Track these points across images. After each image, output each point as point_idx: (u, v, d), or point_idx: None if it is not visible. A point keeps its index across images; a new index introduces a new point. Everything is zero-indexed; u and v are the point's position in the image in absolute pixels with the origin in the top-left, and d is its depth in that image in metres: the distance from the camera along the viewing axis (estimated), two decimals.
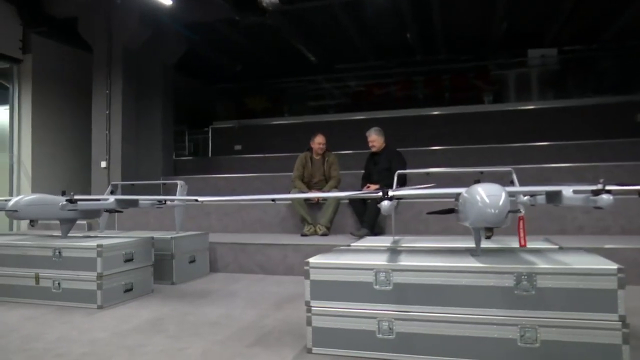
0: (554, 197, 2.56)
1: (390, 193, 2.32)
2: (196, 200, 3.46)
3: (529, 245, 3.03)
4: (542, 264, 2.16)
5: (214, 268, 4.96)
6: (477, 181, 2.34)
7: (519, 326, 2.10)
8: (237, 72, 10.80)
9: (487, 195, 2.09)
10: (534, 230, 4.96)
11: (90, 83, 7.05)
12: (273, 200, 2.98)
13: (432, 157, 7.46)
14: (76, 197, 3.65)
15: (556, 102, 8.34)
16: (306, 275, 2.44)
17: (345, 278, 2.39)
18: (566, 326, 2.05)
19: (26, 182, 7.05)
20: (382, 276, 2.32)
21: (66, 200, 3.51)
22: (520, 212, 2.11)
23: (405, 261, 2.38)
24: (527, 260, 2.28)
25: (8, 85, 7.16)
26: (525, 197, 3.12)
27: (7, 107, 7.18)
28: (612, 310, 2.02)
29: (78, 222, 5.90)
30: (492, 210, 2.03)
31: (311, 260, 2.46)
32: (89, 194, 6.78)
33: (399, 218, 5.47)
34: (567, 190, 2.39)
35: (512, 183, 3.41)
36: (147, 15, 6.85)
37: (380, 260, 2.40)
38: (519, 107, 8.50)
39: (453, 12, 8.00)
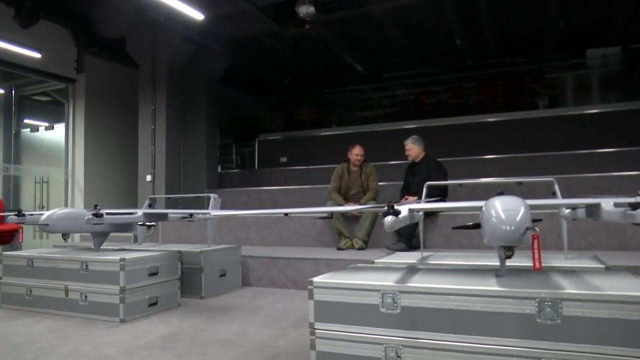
0: (593, 211, 2.25)
1: (397, 207, 2.12)
2: (208, 214, 3.39)
3: (571, 264, 2.72)
4: (570, 289, 1.87)
5: (246, 282, 4.89)
6: (501, 193, 2.09)
7: (542, 359, 1.83)
8: (285, 84, 10.86)
9: (503, 210, 1.85)
10: (588, 245, 4.54)
11: (138, 99, 7.30)
12: (285, 214, 2.86)
13: (482, 166, 7.08)
14: (104, 210, 3.70)
15: (620, 105, 7.66)
16: (310, 295, 2.28)
17: (350, 299, 2.20)
18: None
19: (79, 195, 7.37)
20: (389, 298, 2.12)
21: (92, 214, 3.55)
22: (535, 229, 1.84)
23: (417, 282, 2.16)
24: (555, 284, 1.99)
25: (64, 101, 7.56)
26: (567, 210, 2.82)
27: (63, 124, 7.57)
28: None
29: (125, 234, 6.09)
30: (508, 227, 1.79)
31: (315, 279, 2.30)
32: (136, 207, 6.98)
33: (441, 231, 5.19)
34: (607, 203, 2.09)
35: (554, 194, 3.10)
36: (190, 31, 7.00)
37: (390, 281, 2.20)
38: (578, 112, 7.90)
39: (504, 13, 7.60)
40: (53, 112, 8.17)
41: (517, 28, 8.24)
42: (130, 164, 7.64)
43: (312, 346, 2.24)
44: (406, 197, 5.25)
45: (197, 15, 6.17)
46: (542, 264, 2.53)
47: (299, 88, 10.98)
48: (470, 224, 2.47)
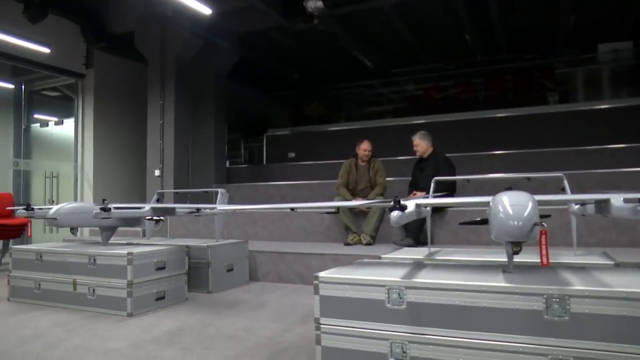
0: (602, 207, 2.22)
1: (403, 202, 2.10)
2: (215, 208, 3.39)
3: (580, 260, 2.69)
4: (578, 285, 1.85)
5: (253, 277, 4.90)
6: (509, 188, 2.07)
7: (550, 357, 1.80)
8: (294, 80, 10.84)
9: (510, 205, 1.83)
10: (598, 242, 4.49)
11: (147, 94, 7.33)
12: (292, 209, 2.85)
13: (491, 162, 7.02)
14: (112, 205, 3.71)
15: (631, 100, 7.54)
16: (315, 290, 2.27)
17: (356, 295, 2.19)
18: (607, 359, 1.73)
19: (88, 190, 7.42)
20: (395, 294, 2.10)
21: (100, 208, 3.57)
22: (543, 225, 1.81)
23: (424, 277, 2.15)
24: (563, 280, 1.97)
25: (73, 96, 7.61)
26: (577, 206, 2.79)
27: (73, 119, 7.62)
28: None
29: (133, 229, 6.12)
30: (515, 223, 1.77)
31: (321, 274, 2.29)
32: (145, 201, 7.02)
33: (449, 227, 5.16)
34: (617, 199, 2.05)
35: (563, 190, 3.07)
36: (199, 26, 7.00)
37: (396, 276, 2.18)
38: (588, 107, 7.80)
39: (514, 8, 7.52)
40: (62, 107, 8.21)
41: (527, 22, 8.15)
42: (139, 158, 7.67)
43: (318, 341, 2.24)
44: (414, 192, 5.23)
45: (205, 10, 6.17)
46: (551, 261, 2.51)
47: (307, 83, 10.95)
48: (478, 219, 2.46)
